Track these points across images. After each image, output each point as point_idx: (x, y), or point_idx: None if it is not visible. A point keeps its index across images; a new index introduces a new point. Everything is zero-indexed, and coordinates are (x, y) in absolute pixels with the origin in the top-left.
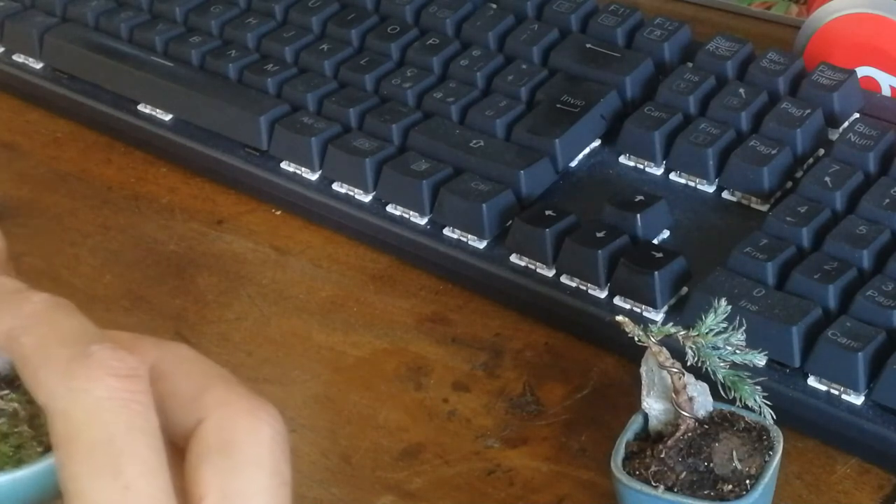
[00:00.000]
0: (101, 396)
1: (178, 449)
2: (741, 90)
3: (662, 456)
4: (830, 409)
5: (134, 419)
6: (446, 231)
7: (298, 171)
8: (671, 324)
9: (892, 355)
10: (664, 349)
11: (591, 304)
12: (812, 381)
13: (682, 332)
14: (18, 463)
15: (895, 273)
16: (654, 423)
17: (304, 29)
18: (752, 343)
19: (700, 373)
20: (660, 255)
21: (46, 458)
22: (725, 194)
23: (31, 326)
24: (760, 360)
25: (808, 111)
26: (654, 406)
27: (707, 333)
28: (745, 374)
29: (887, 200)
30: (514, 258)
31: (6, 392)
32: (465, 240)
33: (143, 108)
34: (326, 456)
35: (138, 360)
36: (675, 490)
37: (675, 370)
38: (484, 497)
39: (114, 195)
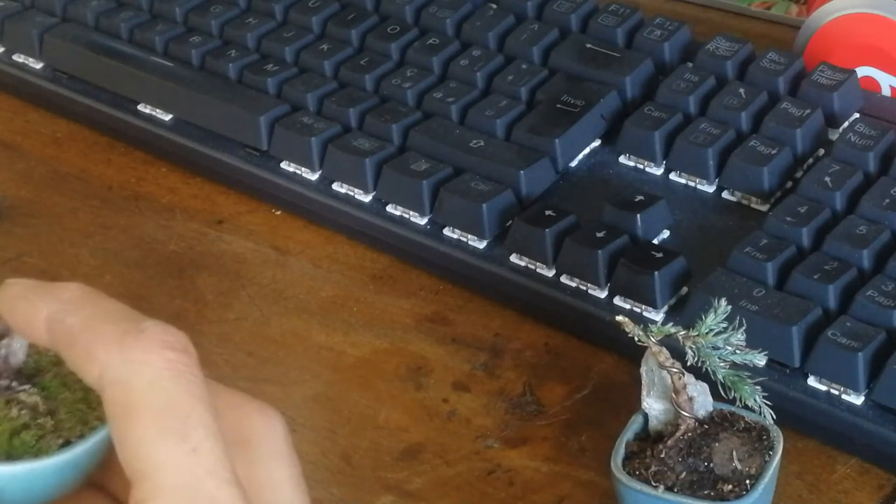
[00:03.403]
0: (160, 367)
1: None
2: (741, 90)
3: (662, 456)
4: (830, 409)
5: (193, 388)
6: (446, 231)
7: (298, 171)
8: (671, 324)
9: (892, 355)
10: (664, 349)
11: (591, 304)
12: (812, 381)
13: (682, 332)
14: (38, 453)
15: (895, 273)
16: (654, 423)
17: (304, 29)
18: (752, 343)
19: (700, 373)
20: (660, 255)
21: (66, 451)
22: (725, 194)
23: (74, 309)
24: (760, 360)
25: (808, 111)
26: (654, 406)
27: (707, 333)
28: (745, 374)
29: (887, 200)
30: (514, 258)
31: (27, 386)
32: (465, 240)
33: (143, 108)
34: (326, 456)
35: (187, 337)
36: (675, 490)
37: (675, 370)
38: (484, 497)
39: (114, 195)
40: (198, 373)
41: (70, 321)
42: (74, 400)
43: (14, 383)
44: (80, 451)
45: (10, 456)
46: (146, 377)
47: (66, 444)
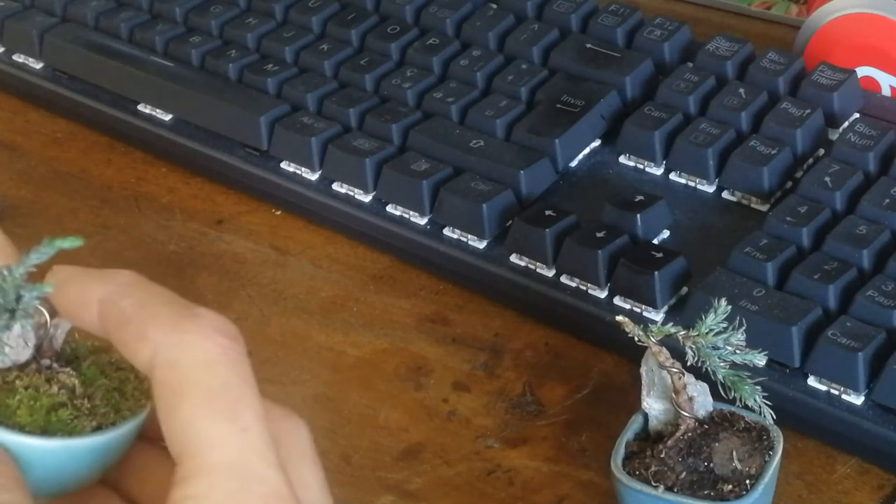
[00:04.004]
0: (213, 351)
1: None
2: (741, 90)
3: (662, 456)
4: (830, 409)
5: (243, 374)
6: (446, 231)
7: (298, 171)
8: (671, 324)
9: (892, 355)
10: (664, 349)
11: (591, 304)
12: (812, 381)
13: (682, 332)
14: (72, 432)
15: (895, 273)
16: (654, 423)
17: (304, 29)
18: (752, 343)
19: (700, 373)
20: (660, 255)
21: (100, 433)
22: (725, 194)
23: (129, 292)
24: (760, 360)
25: (808, 111)
26: (654, 406)
27: (707, 333)
28: (745, 374)
29: (887, 200)
30: (514, 258)
31: (68, 370)
32: (465, 240)
33: (143, 108)
34: (326, 456)
35: (236, 327)
36: (675, 490)
37: (675, 370)
38: (484, 497)
39: (114, 195)
40: (248, 361)
41: (124, 303)
42: (110, 388)
43: (55, 364)
44: (112, 436)
45: (46, 431)
46: (199, 359)
47: (99, 428)
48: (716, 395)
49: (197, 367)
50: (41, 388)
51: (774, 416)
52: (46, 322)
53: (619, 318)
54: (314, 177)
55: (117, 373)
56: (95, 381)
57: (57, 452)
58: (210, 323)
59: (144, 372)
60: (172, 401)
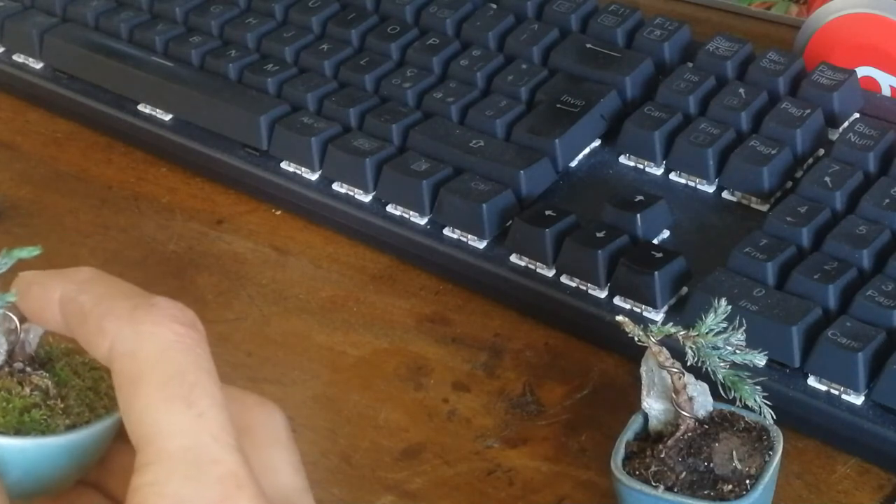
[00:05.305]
0: (168, 339)
1: None
2: (741, 90)
3: (662, 456)
4: (830, 409)
5: (200, 361)
6: (446, 231)
7: (298, 171)
8: (671, 324)
9: (892, 355)
10: (664, 349)
11: (591, 304)
12: (812, 381)
13: (682, 332)
14: (46, 431)
15: (895, 273)
16: (654, 423)
17: (304, 29)
18: (752, 343)
19: (700, 373)
20: (660, 255)
21: (73, 432)
22: (725, 194)
23: (87, 288)
24: (760, 360)
25: (808, 111)
26: (654, 406)
27: (707, 333)
28: (745, 374)
29: (887, 200)
30: (514, 258)
31: (41, 372)
32: (465, 240)
33: (143, 108)
34: (326, 456)
35: (195, 314)
36: (675, 490)
37: (675, 370)
38: (484, 497)
39: (114, 195)
40: (206, 348)
41: (82, 299)
42: (83, 387)
43: (28, 368)
44: (86, 434)
45: (19, 431)
46: (154, 347)
47: (73, 427)
48: (716, 395)
49: (152, 355)
50: (13, 390)
51: (774, 416)
52: (16, 328)
53: (619, 318)
54: (314, 177)
55: (91, 373)
56: (69, 381)
57: (31, 452)
58: (165, 311)
59: (105, 364)
60: (130, 390)
